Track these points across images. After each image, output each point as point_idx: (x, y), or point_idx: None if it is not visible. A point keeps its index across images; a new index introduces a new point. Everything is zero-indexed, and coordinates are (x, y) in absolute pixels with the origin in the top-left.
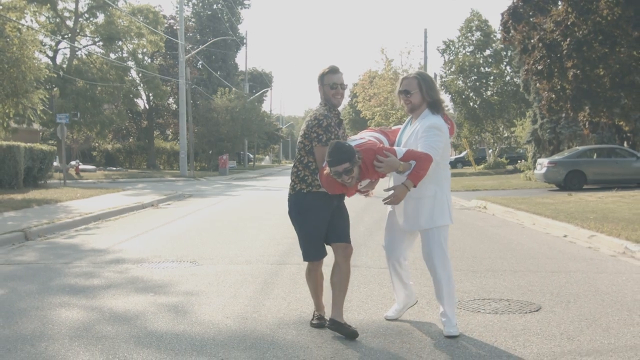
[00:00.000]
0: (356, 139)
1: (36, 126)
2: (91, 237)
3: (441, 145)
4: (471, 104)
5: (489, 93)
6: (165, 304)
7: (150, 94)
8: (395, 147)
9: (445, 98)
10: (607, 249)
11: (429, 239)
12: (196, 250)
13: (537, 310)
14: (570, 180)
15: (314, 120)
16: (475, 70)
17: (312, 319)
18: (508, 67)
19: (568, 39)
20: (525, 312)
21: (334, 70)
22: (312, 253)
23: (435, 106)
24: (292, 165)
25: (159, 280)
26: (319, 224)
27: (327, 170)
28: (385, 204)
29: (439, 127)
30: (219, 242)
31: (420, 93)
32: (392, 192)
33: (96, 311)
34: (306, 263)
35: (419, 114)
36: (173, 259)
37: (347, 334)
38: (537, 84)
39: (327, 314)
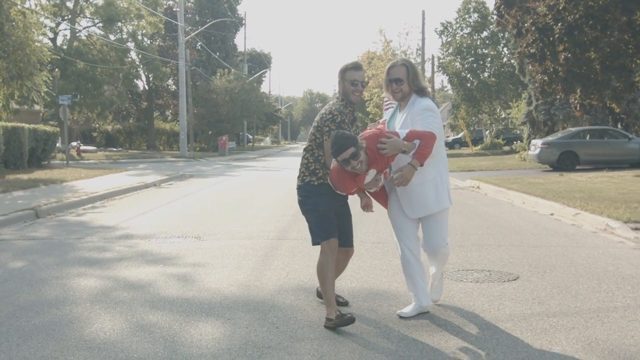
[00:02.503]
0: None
1: (37, 107)
2: (99, 215)
3: (437, 127)
4: (468, 85)
5: (486, 74)
6: (174, 274)
7: (150, 75)
8: (397, 130)
9: (443, 79)
10: (590, 226)
11: (436, 222)
12: (200, 227)
13: (514, 279)
14: (563, 161)
15: (329, 114)
16: (473, 51)
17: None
18: (505, 49)
19: (560, 23)
20: (504, 281)
21: (356, 67)
22: (329, 230)
23: (422, 92)
24: (294, 146)
25: (166, 254)
26: (331, 207)
27: (334, 163)
28: (395, 185)
29: (432, 109)
30: (221, 219)
31: (407, 81)
32: (399, 172)
33: (111, 280)
34: (303, 241)
35: (407, 101)
36: (178, 235)
37: (346, 321)
38: (530, 67)
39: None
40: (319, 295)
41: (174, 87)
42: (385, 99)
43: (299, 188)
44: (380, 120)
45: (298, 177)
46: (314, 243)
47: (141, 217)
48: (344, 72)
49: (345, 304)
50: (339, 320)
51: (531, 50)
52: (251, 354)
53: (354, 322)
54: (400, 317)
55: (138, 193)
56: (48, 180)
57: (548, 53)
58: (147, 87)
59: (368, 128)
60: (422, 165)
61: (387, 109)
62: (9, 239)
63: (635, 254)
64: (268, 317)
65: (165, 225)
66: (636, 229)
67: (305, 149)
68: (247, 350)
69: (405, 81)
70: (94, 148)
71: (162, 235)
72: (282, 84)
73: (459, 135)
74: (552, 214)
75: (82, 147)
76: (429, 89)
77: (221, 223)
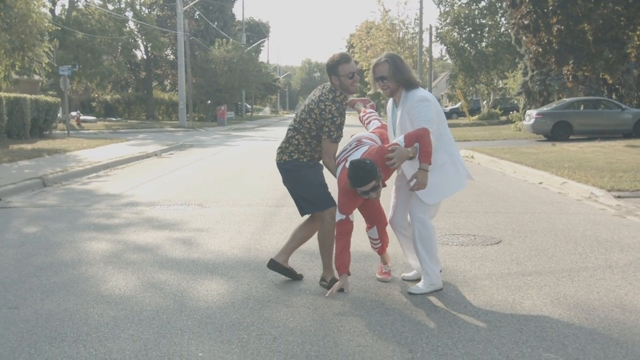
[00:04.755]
0: (359, 147)
1: (37, 77)
2: (104, 183)
3: (433, 115)
4: (466, 55)
5: (483, 44)
6: (179, 238)
7: (148, 45)
8: (394, 140)
9: (441, 49)
10: (575, 194)
11: (439, 203)
12: (202, 195)
13: (497, 243)
14: (557, 131)
15: (329, 114)
16: (470, 21)
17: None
18: (502, 19)
19: None
20: (487, 245)
21: (347, 59)
22: (330, 197)
23: (409, 85)
24: (292, 116)
25: (171, 220)
26: (322, 177)
27: (347, 183)
28: (415, 190)
29: (425, 99)
30: (222, 188)
31: (389, 78)
32: (414, 180)
33: (121, 243)
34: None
35: (399, 96)
36: (181, 203)
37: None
38: (525, 38)
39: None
40: (320, 281)
41: (172, 56)
42: (362, 114)
43: (285, 163)
44: (368, 105)
45: (282, 153)
46: (313, 211)
47: (145, 186)
48: (335, 67)
49: (300, 278)
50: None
51: (525, 22)
52: (252, 307)
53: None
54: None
55: (140, 162)
56: (52, 150)
57: (542, 25)
58: (145, 57)
59: (363, 110)
60: (430, 164)
61: (368, 122)
62: (20, 206)
63: (614, 220)
64: (267, 276)
65: (168, 193)
66: (618, 196)
67: (294, 129)
68: (248, 303)
69: (390, 77)
70: (94, 118)
71: (166, 203)
72: (280, 53)
73: (457, 106)
74: (540, 183)
75: (82, 117)
76: (417, 79)
77: (222, 191)
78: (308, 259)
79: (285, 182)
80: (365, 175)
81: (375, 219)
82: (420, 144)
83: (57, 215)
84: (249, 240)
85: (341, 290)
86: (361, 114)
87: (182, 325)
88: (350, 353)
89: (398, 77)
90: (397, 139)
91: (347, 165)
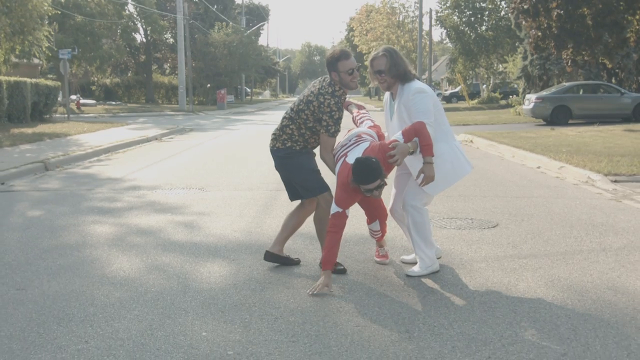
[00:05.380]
0: (359, 143)
1: (36, 60)
2: (105, 167)
3: (430, 106)
4: (466, 39)
5: (483, 28)
6: (181, 221)
7: (148, 29)
8: (393, 137)
9: (441, 33)
10: (573, 178)
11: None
12: (203, 179)
13: (494, 227)
14: (556, 115)
15: (327, 107)
16: (470, 5)
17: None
18: (503, 2)
19: None
20: (484, 228)
21: (347, 56)
22: (325, 183)
23: (405, 78)
24: (292, 99)
25: (173, 204)
26: (315, 164)
27: (351, 180)
28: (424, 186)
29: (421, 90)
30: (223, 172)
31: (391, 71)
32: (421, 174)
33: (124, 227)
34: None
35: (396, 89)
36: (183, 187)
37: (338, 272)
38: (524, 22)
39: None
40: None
41: (171, 40)
42: (355, 114)
43: (279, 150)
44: (355, 111)
45: (275, 140)
46: (309, 196)
47: (146, 170)
48: (335, 63)
49: (297, 262)
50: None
51: (525, 6)
52: (254, 288)
53: (345, 273)
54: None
55: (141, 147)
56: (52, 134)
57: (541, 9)
58: (144, 41)
59: (357, 111)
60: (433, 155)
61: (361, 122)
62: (23, 190)
63: (610, 204)
64: None
65: (169, 177)
66: (615, 181)
67: (289, 118)
68: (250, 285)
69: (388, 71)
70: (93, 102)
71: (168, 187)
72: (280, 36)
73: (456, 89)
74: (538, 167)
75: (82, 101)
76: (414, 72)
77: (223, 175)
78: (308, 242)
79: (278, 168)
80: (371, 173)
81: (376, 213)
82: (419, 138)
83: (60, 198)
84: (250, 223)
85: (325, 286)
86: (354, 114)
87: (185, 306)
88: (349, 333)
89: (395, 71)
90: (396, 135)
91: (348, 160)
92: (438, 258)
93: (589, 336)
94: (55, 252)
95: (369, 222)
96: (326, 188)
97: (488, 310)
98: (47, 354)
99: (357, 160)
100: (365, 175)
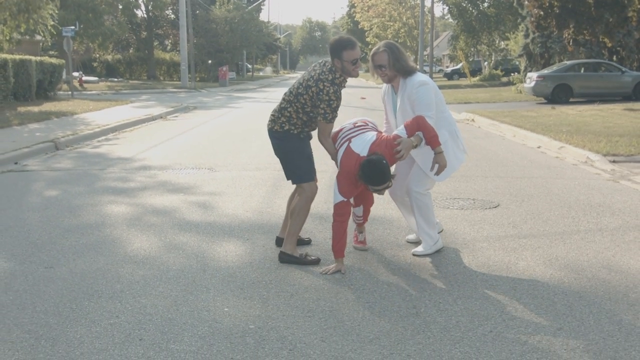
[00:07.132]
0: (364, 130)
1: (38, 37)
2: (114, 147)
3: (431, 98)
4: (468, 15)
5: (485, 5)
6: (194, 201)
7: (149, 4)
8: (395, 132)
9: (443, 9)
10: (572, 158)
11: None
12: (211, 159)
13: (495, 207)
14: (557, 93)
15: (326, 95)
16: None
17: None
18: None
19: None
20: (485, 208)
21: (353, 46)
22: (313, 172)
23: (407, 72)
24: (293, 76)
25: (184, 184)
26: (310, 150)
27: (359, 177)
28: (438, 175)
29: (422, 82)
30: (230, 151)
31: (389, 66)
32: (437, 166)
33: (140, 207)
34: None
35: (398, 82)
36: (192, 166)
37: (311, 262)
38: (526, 2)
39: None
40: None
41: (172, 16)
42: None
43: (276, 132)
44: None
45: (273, 122)
46: (297, 182)
47: (155, 149)
48: (340, 51)
49: (308, 242)
50: (304, 260)
51: None
52: (269, 267)
53: (318, 264)
54: (408, 241)
55: (146, 125)
56: (59, 113)
57: None
58: (146, 17)
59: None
60: (440, 144)
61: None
62: (37, 169)
63: (608, 184)
64: None
65: (178, 157)
66: (614, 161)
67: (288, 101)
68: (265, 263)
69: (387, 66)
70: (96, 79)
71: (177, 167)
72: (280, 12)
73: (458, 66)
74: (539, 147)
75: (84, 78)
76: (415, 65)
77: (230, 155)
78: (318, 222)
79: (274, 150)
80: (382, 177)
81: (364, 200)
82: (423, 132)
83: (74, 178)
84: (260, 203)
85: (338, 271)
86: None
87: (206, 283)
88: (361, 309)
89: (397, 66)
90: (398, 129)
91: (352, 146)
92: (440, 232)
93: (583, 312)
94: (77, 232)
95: (354, 206)
96: (312, 178)
97: (490, 287)
98: (83, 328)
99: (369, 161)
100: (376, 178)
